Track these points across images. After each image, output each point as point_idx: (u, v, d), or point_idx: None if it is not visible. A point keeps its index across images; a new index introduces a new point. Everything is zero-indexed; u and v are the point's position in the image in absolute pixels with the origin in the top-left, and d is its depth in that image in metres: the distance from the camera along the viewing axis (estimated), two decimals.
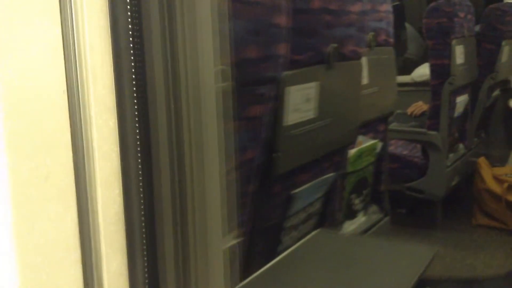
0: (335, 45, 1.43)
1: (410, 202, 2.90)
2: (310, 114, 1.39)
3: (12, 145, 0.41)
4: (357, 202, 1.90)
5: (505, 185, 2.74)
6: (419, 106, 3.17)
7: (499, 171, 2.90)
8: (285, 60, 1.25)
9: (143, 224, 0.50)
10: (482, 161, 2.90)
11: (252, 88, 1.19)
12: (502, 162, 3.17)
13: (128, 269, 0.49)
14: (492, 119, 3.46)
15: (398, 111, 2.90)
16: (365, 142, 1.83)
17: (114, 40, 0.47)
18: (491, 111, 3.37)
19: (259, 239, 1.34)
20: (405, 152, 2.88)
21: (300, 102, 1.34)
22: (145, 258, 0.51)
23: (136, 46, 0.48)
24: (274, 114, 1.27)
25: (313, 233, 1.32)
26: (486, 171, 2.85)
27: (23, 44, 0.42)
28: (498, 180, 2.80)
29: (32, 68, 0.42)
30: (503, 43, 3.09)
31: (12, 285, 0.43)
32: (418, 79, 3.35)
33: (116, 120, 0.48)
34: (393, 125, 2.77)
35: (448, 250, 2.56)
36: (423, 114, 3.09)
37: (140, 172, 0.49)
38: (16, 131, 0.41)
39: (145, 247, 0.51)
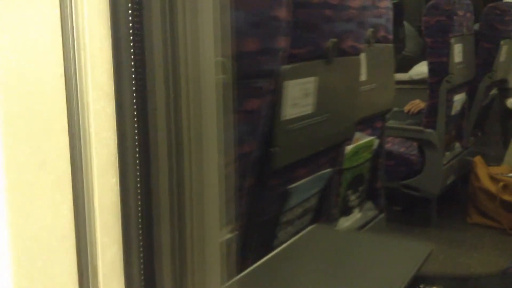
0: (335, 40, 1.42)
1: (406, 200, 2.91)
2: (308, 109, 1.39)
3: (8, 129, 0.40)
4: (353, 198, 1.90)
5: (501, 184, 2.75)
6: (416, 104, 3.18)
7: (495, 170, 2.91)
8: (284, 54, 1.24)
9: (139, 213, 0.50)
10: (478, 160, 2.90)
11: (250, 81, 1.19)
12: (498, 161, 3.18)
13: (124, 259, 0.49)
14: (489, 118, 3.47)
15: (395, 108, 2.91)
16: (362, 139, 1.83)
17: (114, 25, 0.46)
18: (488, 110, 3.37)
19: (255, 233, 1.34)
20: (401, 150, 2.89)
21: (299, 96, 1.34)
22: (141, 248, 0.50)
23: (136, 32, 0.47)
24: (272, 108, 1.26)
25: (309, 228, 1.32)
26: (482, 170, 2.86)
27: (20, 25, 0.41)
28: (494, 179, 2.81)
29: (29, 50, 0.41)
30: (502, 42, 3.09)
31: (7, 272, 0.42)
32: (416, 77, 3.36)
33: (114, 107, 0.47)
34: (390, 123, 2.77)
35: (443, 248, 2.57)
36: (420, 112, 3.09)
37: (137, 161, 0.49)
38: (12, 115, 0.41)
39: (141, 237, 0.50)
